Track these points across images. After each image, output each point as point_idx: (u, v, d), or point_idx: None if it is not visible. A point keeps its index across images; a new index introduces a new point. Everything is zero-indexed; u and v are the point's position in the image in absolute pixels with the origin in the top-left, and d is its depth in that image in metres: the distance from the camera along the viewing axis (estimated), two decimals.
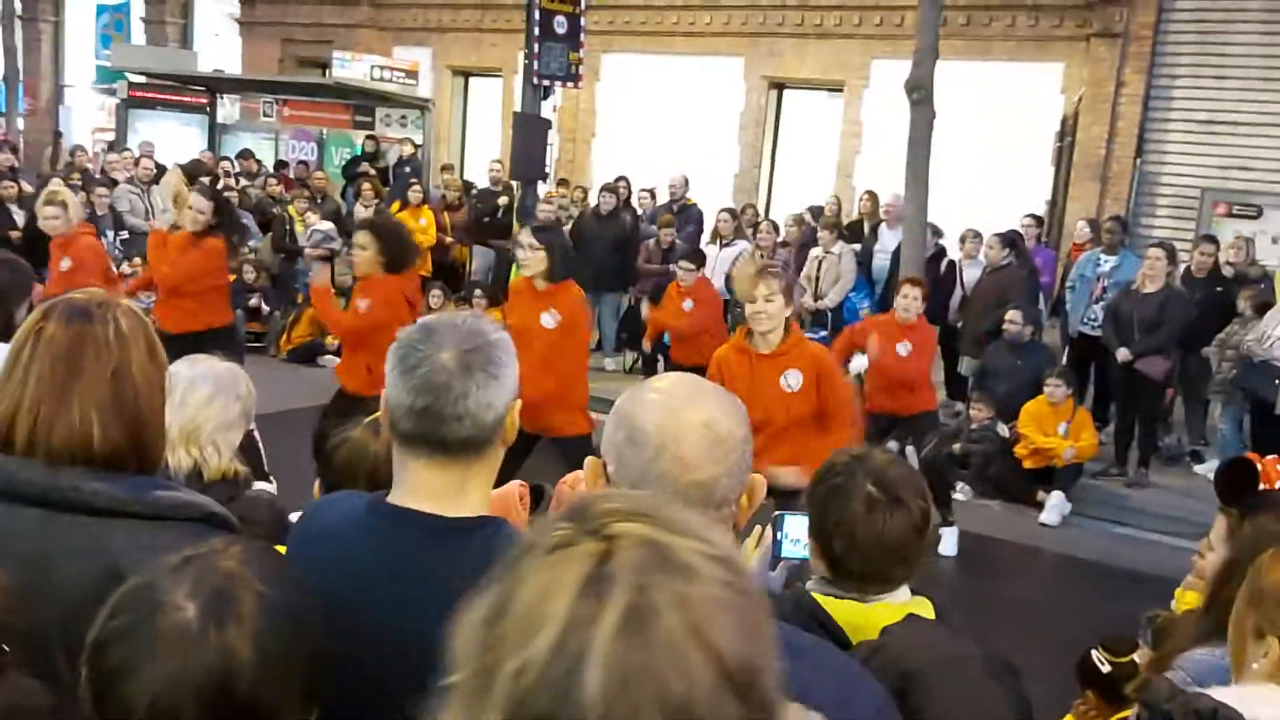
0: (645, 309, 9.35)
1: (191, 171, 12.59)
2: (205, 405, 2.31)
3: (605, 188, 11.51)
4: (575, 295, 5.51)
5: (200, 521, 1.67)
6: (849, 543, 1.90)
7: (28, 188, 11.53)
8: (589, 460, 1.41)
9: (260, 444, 6.18)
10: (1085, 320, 8.94)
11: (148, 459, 1.70)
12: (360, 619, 1.49)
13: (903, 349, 6.69)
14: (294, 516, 4.33)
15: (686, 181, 11.87)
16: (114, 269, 6.74)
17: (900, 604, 1.92)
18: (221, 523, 1.71)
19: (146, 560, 1.52)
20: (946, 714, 1.69)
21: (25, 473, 1.59)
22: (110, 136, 16.88)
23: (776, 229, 10.71)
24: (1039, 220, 10.58)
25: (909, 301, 6.75)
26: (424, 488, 1.56)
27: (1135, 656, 3.24)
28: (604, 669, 0.75)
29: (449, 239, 12.08)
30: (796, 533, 2.09)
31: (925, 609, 1.95)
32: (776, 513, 2.12)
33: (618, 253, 10.85)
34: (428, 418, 1.52)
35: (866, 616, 1.87)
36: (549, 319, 5.29)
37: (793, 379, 4.60)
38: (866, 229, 10.92)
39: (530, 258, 5.29)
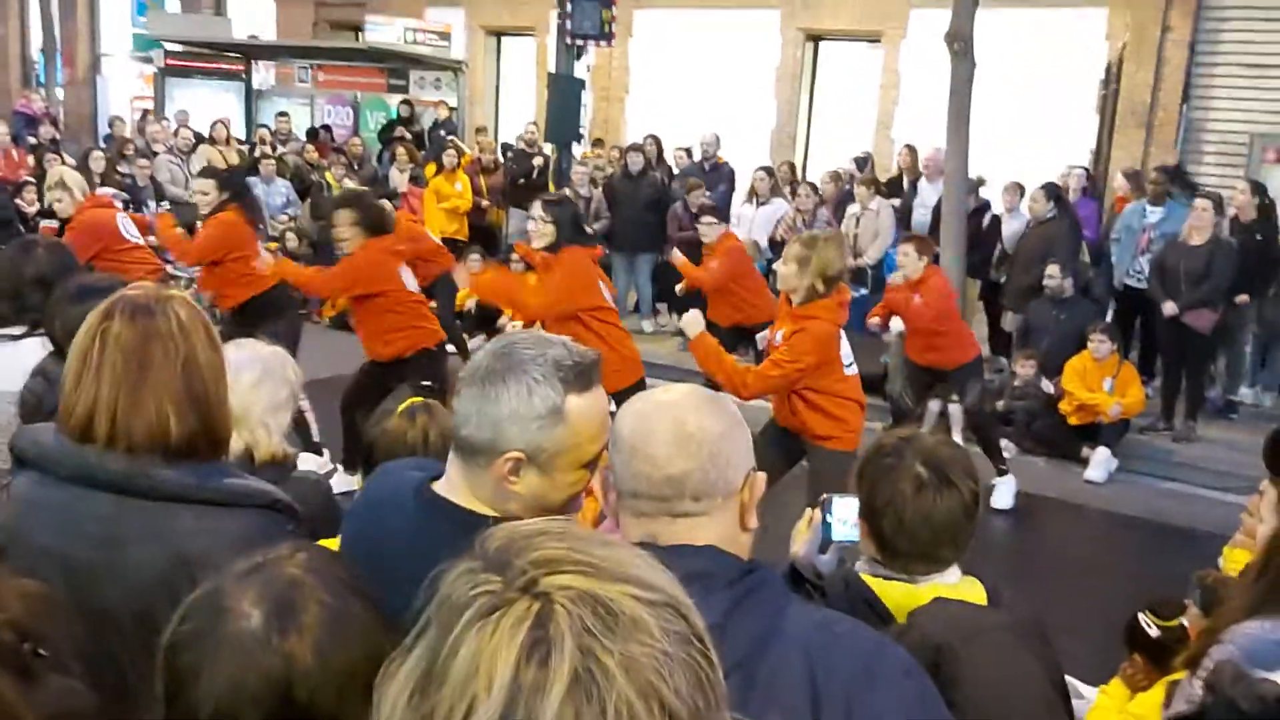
0: (676, 256, 9.07)
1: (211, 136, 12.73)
2: (254, 389, 2.34)
3: (631, 147, 11.40)
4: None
5: (264, 508, 1.74)
6: (897, 523, 1.91)
7: (70, 160, 11.67)
8: (599, 473, 1.47)
9: (311, 417, 6.32)
10: (1131, 273, 8.80)
11: (218, 444, 1.79)
12: (391, 599, 1.52)
13: (916, 299, 6.73)
14: (335, 483, 4.37)
15: (718, 139, 11.74)
16: (127, 236, 6.60)
17: (950, 585, 1.92)
18: (284, 509, 1.78)
19: (212, 544, 1.62)
20: (979, 683, 1.70)
21: (101, 460, 1.67)
22: (148, 105, 16.99)
23: (815, 190, 10.56)
24: (1088, 172, 10.38)
25: (900, 258, 6.83)
26: (458, 481, 1.59)
27: (1183, 620, 3.22)
28: None
29: (485, 202, 12.07)
30: (845, 515, 2.09)
31: (976, 590, 1.95)
32: (825, 495, 2.12)
33: (650, 212, 10.75)
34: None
35: (916, 598, 1.87)
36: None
37: (779, 337, 4.85)
38: (906, 184, 10.78)
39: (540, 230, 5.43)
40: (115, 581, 1.64)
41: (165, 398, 1.69)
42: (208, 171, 6.93)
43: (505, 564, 0.80)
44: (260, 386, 2.35)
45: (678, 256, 8.52)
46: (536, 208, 5.57)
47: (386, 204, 7.42)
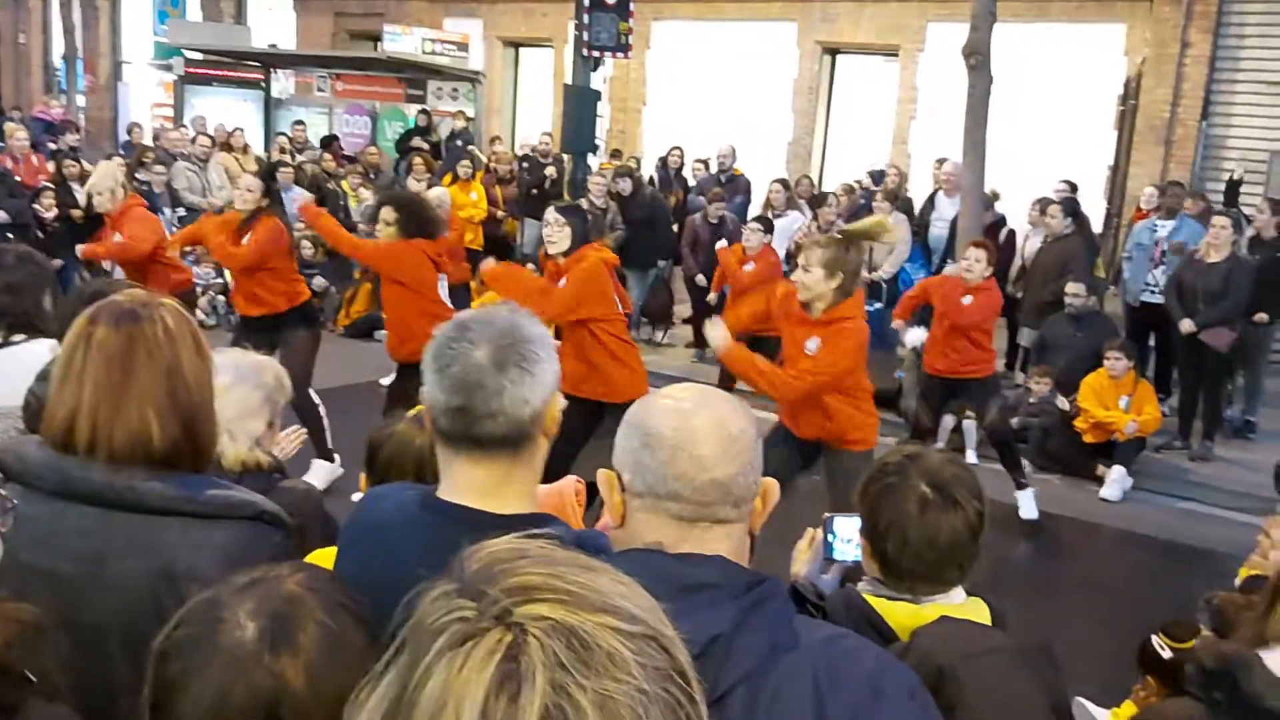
0: (722, 249, 9.11)
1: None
2: (223, 394, 2.29)
3: (618, 172, 11.04)
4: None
5: (251, 519, 1.68)
6: (901, 543, 1.87)
7: (89, 166, 11.74)
8: (601, 473, 1.42)
9: (325, 420, 6.35)
10: (1145, 287, 8.75)
11: (202, 454, 1.73)
12: None
13: (966, 300, 6.64)
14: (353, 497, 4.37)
15: (734, 151, 11.71)
16: (166, 235, 6.92)
17: (955, 605, 1.89)
18: (272, 520, 1.72)
19: (198, 557, 1.57)
20: (979, 705, 1.68)
21: (84, 473, 1.62)
22: (168, 112, 17.12)
23: (839, 203, 10.49)
24: (1073, 186, 10.26)
25: (971, 264, 6.66)
26: (468, 484, 1.56)
27: (1197, 641, 3.19)
28: None
29: (500, 212, 12.08)
30: (847, 534, 2.06)
31: (980, 610, 1.92)
32: (826, 515, 2.10)
33: (646, 229, 10.60)
34: (463, 416, 1.51)
35: (920, 618, 1.84)
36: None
37: (813, 345, 4.73)
38: (921, 197, 10.73)
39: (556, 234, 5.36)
40: (101, 597, 1.59)
41: (148, 404, 1.64)
42: (262, 175, 6.99)
43: (481, 591, 0.77)
44: (230, 391, 2.29)
45: (723, 249, 8.75)
46: (551, 213, 5.50)
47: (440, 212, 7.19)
